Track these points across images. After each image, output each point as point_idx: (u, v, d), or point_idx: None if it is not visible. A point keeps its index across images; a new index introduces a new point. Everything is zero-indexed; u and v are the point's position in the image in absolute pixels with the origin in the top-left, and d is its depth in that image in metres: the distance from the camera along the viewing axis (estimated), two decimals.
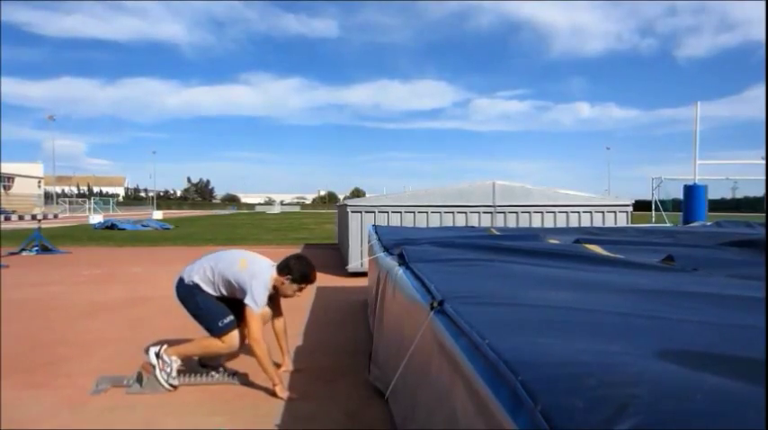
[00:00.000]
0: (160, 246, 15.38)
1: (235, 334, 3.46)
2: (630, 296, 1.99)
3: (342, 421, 3.00)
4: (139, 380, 3.39)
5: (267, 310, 3.55)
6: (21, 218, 33.27)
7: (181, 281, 3.58)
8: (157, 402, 3.23)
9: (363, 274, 7.37)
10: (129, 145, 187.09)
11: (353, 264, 8.67)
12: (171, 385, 3.39)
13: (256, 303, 3.33)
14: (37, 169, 65.08)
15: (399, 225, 8.47)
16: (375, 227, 5.74)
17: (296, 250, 12.96)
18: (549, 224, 8.89)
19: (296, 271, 3.49)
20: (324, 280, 8.32)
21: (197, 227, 27.23)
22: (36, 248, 12.50)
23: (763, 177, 20.56)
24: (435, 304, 1.79)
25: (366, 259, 5.89)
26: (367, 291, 5.86)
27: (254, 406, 3.20)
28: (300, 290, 3.57)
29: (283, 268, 3.50)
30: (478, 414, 1.20)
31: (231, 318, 3.45)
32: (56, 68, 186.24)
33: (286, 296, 3.60)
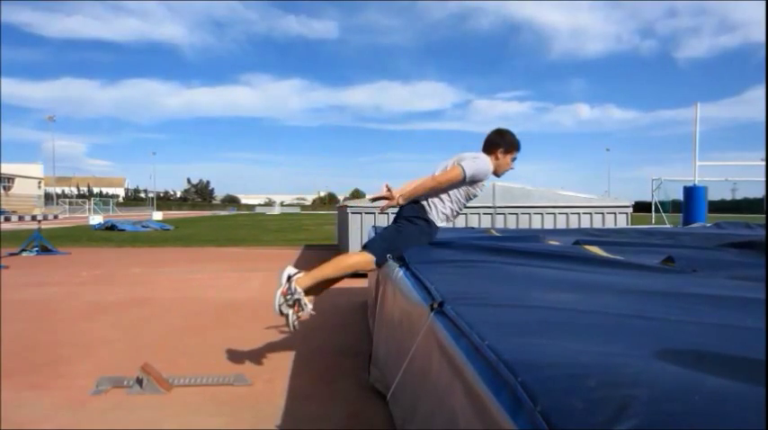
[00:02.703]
0: (160, 246, 15.37)
1: (374, 266, 3.39)
2: (630, 297, 2.00)
3: (342, 422, 3.00)
4: (140, 381, 3.39)
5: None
6: (21, 218, 33.20)
7: (422, 208, 3.45)
8: (157, 403, 3.23)
9: (363, 275, 7.35)
10: (129, 146, 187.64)
11: None
12: (281, 312, 3.26)
13: (465, 167, 3.32)
14: (37, 170, 65.02)
15: None
16: (375, 228, 5.73)
17: (296, 252, 12.95)
18: (548, 225, 8.90)
19: (504, 142, 3.49)
20: None
21: (197, 228, 27.22)
22: (36, 249, 12.50)
23: (763, 178, 20.56)
24: (435, 305, 1.80)
25: None
26: (367, 292, 5.85)
27: (255, 407, 3.19)
28: (514, 159, 3.58)
29: (490, 146, 3.50)
30: (478, 415, 1.20)
31: (390, 263, 3.34)
32: (56, 69, 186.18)
33: (504, 171, 3.58)
